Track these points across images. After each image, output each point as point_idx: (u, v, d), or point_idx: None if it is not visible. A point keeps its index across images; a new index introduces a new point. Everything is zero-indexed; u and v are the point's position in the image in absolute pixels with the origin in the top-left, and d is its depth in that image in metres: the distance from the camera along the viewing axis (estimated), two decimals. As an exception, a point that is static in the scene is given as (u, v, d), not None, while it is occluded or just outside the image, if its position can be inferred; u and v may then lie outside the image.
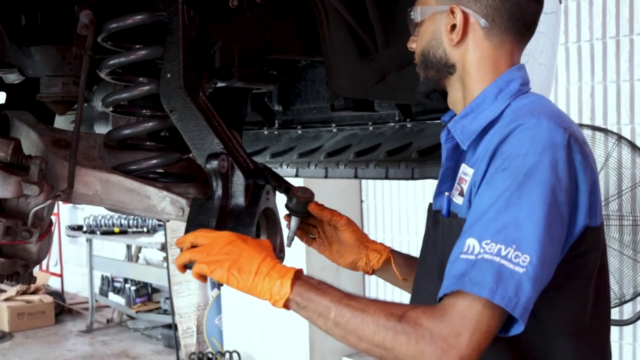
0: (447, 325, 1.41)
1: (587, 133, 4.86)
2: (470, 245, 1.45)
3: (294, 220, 1.91)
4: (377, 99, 2.53)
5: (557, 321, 1.60)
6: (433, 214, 1.78)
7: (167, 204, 1.82)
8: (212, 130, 1.78)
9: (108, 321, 9.35)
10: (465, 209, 1.61)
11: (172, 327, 7.57)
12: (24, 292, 9.64)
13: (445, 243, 1.65)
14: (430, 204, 1.84)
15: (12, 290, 9.86)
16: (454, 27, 1.69)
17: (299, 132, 3.36)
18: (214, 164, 1.73)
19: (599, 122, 5.09)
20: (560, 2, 2.84)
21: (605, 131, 4.85)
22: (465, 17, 1.68)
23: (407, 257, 2.09)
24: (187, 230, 1.73)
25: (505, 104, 1.65)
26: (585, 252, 1.58)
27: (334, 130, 3.24)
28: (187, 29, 1.81)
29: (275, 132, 3.45)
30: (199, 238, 1.63)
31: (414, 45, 1.83)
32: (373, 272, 2.09)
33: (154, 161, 1.89)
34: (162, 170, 2.00)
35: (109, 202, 1.84)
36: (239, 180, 1.75)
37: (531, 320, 1.47)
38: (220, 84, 2.10)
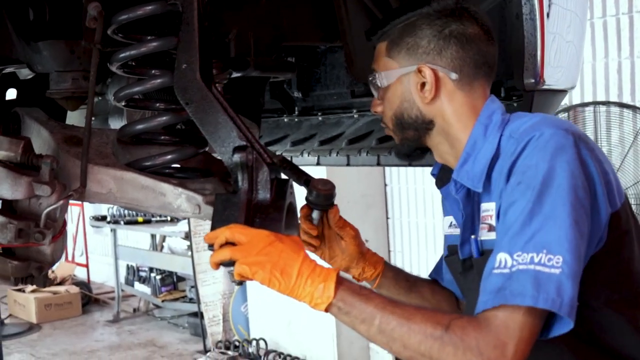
0: (494, 336, 1.41)
1: (614, 110, 4.74)
2: (502, 260, 1.46)
3: (316, 214, 1.84)
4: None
5: (625, 316, 1.62)
6: (462, 263, 1.79)
7: (183, 201, 1.76)
8: (233, 122, 1.72)
9: (134, 310, 9.36)
10: None
11: (198, 315, 7.56)
12: (51, 283, 9.67)
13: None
14: (449, 258, 1.86)
15: (38, 281, 9.89)
16: (423, 85, 1.72)
17: (320, 118, 3.28)
18: (240, 157, 1.67)
19: (626, 99, 4.96)
20: (587, -22, 2.74)
21: (633, 108, 4.74)
22: (435, 74, 1.71)
23: (397, 271, 2.09)
24: (213, 226, 1.67)
25: (497, 136, 1.66)
26: (622, 237, 1.59)
27: (356, 116, 3.17)
28: (201, 18, 1.74)
29: (296, 120, 3.38)
30: (236, 234, 1.57)
31: (379, 109, 1.84)
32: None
33: (169, 157, 1.83)
34: (178, 165, 1.94)
35: (124, 200, 1.78)
36: (264, 174, 1.69)
37: (602, 321, 1.57)
38: (235, 74, 2.03)
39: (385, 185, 6.75)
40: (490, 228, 1.64)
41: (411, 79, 1.74)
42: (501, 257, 1.46)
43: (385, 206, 6.77)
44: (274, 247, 1.54)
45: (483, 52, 1.73)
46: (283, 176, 1.79)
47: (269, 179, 1.67)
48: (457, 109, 1.72)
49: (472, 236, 1.71)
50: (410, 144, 1.81)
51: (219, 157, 1.87)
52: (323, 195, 1.77)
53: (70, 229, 10.69)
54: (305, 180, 1.75)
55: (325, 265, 1.67)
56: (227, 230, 1.58)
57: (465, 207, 1.74)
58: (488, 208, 1.65)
